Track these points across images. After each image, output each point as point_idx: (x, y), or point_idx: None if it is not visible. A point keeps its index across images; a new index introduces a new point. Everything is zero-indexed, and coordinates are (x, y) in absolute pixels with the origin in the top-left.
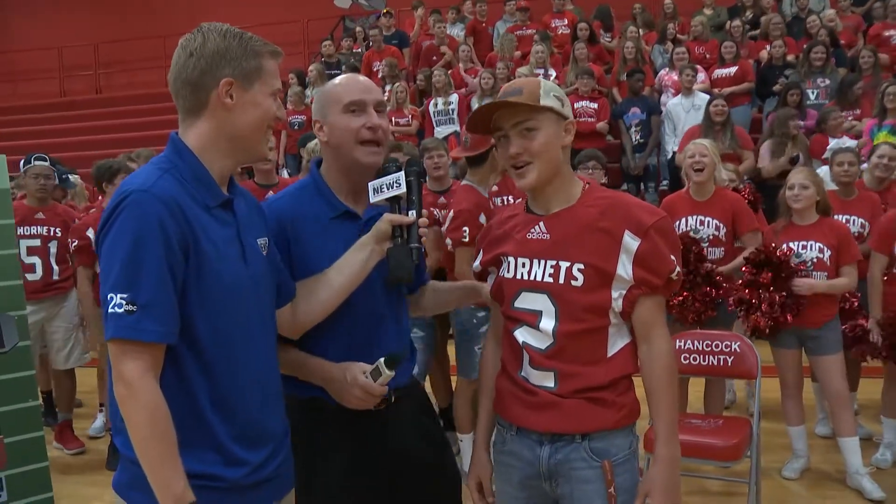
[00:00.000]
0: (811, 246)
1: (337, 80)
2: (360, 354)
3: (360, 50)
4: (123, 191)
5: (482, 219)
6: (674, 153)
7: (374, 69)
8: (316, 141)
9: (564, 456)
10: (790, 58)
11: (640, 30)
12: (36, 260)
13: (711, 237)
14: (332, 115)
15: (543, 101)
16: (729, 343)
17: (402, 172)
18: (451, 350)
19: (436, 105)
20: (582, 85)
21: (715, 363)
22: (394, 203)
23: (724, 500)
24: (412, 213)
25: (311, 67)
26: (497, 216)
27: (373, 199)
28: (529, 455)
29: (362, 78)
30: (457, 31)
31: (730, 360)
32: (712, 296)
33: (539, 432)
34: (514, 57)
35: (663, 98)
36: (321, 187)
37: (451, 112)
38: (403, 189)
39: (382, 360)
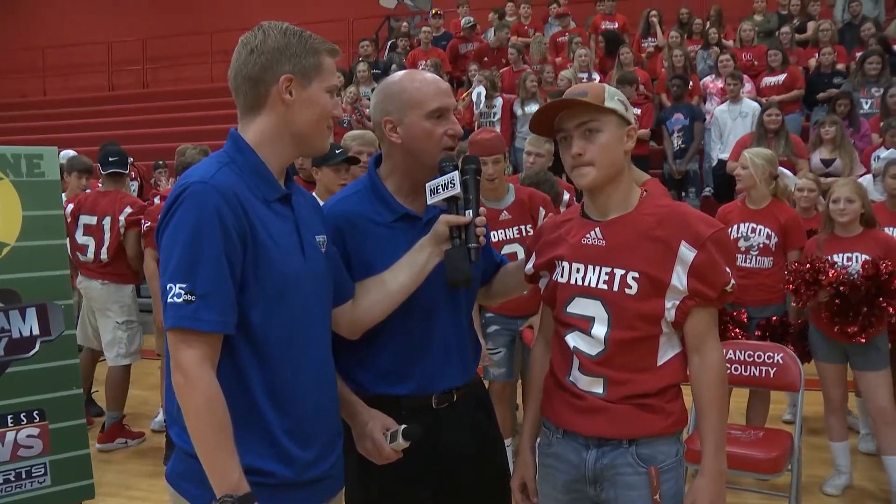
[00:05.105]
0: (856, 258)
1: (408, 78)
2: (417, 352)
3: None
4: (183, 183)
5: None
6: (719, 160)
7: (420, 68)
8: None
9: (610, 461)
10: (840, 66)
11: (686, 35)
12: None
13: (762, 245)
14: (412, 119)
15: (608, 104)
16: (772, 354)
17: (457, 172)
18: None
19: (478, 106)
20: (626, 91)
21: (757, 374)
22: (451, 203)
23: None
24: (469, 213)
25: (360, 66)
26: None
27: (430, 200)
28: (575, 458)
29: (440, 79)
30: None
31: (772, 372)
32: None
33: (586, 436)
34: (548, 59)
35: (707, 105)
36: (379, 189)
37: (493, 115)
38: (458, 189)
39: (403, 427)
